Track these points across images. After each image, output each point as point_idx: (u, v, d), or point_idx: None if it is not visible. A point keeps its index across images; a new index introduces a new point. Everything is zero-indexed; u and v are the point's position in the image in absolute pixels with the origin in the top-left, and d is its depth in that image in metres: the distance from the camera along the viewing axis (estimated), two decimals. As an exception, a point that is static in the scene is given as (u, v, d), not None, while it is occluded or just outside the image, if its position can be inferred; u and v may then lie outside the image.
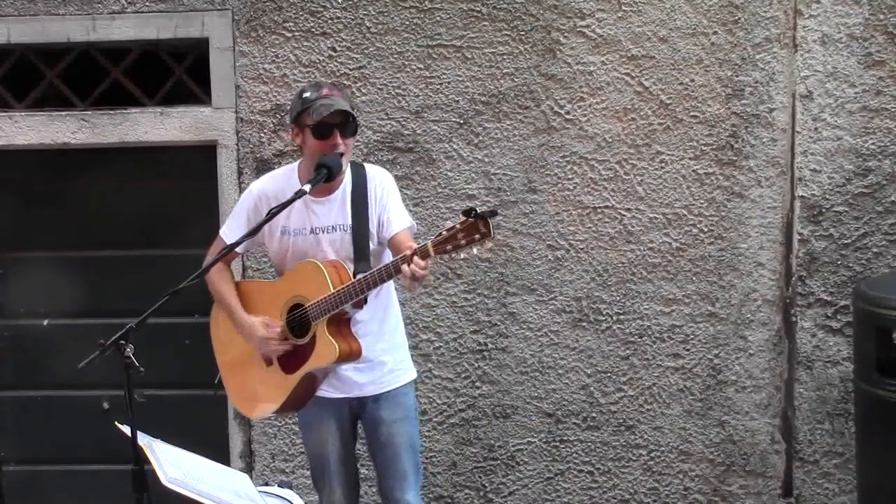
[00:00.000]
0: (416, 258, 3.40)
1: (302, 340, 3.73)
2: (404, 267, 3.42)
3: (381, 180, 3.83)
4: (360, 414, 3.92)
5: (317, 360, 3.70)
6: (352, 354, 3.70)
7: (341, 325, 3.70)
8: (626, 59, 4.78)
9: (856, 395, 4.52)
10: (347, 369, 3.79)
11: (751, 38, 4.73)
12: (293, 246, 3.81)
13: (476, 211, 3.32)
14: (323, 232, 3.77)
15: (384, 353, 3.85)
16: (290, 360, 3.78)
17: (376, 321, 3.83)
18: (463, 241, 3.34)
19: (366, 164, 3.92)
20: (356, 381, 3.83)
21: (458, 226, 3.35)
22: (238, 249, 3.89)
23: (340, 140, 3.70)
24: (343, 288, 3.59)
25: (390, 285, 3.85)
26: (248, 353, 3.87)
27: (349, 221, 3.76)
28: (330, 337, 3.65)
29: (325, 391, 3.85)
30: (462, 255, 3.39)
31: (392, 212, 3.78)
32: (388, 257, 3.78)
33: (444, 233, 3.37)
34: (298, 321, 3.73)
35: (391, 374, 3.88)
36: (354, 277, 3.63)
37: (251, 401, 3.96)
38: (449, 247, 3.36)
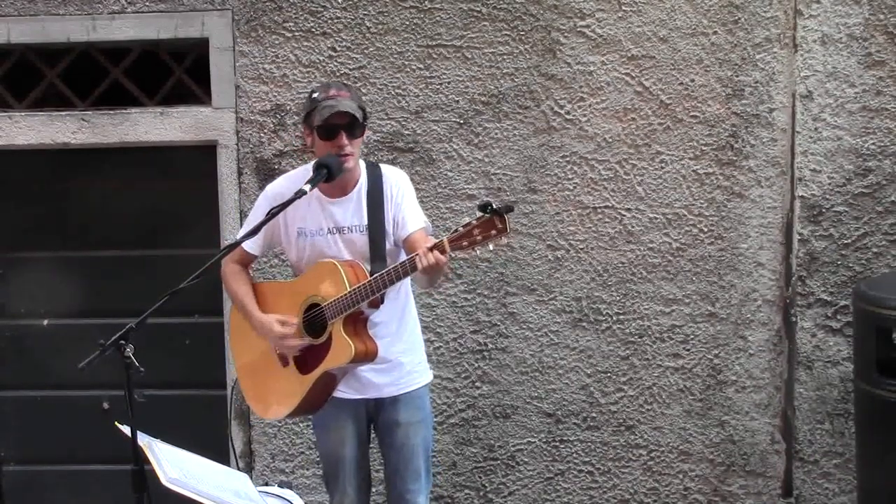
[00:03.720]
0: (434, 252, 3.39)
1: (318, 340, 3.72)
2: (419, 257, 3.41)
3: (396, 181, 3.82)
4: (375, 415, 3.90)
5: (332, 360, 3.69)
6: (368, 354, 3.68)
7: (357, 324, 3.69)
8: (626, 59, 4.78)
9: (856, 395, 4.52)
10: (365, 370, 3.78)
11: (751, 38, 4.73)
12: (310, 247, 3.80)
13: (493, 206, 3.31)
14: (339, 232, 3.77)
15: (403, 355, 3.85)
16: (306, 361, 3.77)
17: (395, 323, 3.82)
18: (479, 237, 3.34)
19: (381, 165, 3.91)
20: (374, 381, 3.82)
21: (474, 222, 3.35)
22: (255, 253, 3.93)
23: (347, 141, 3.69)
24: (359, 286, 3.59)
25: (408, 288, 3.85)
26: (265, 354, 3.87)
27: (365, 222, 3.76)
28: (346, 336, 3.64)
29: (343, 392, 3.84)
30: (478, 251, 3.39)
31: (407, 211, 3.78)
32: (403, 258, 3.80)
33: (461, 229, 3.37)
34: (315, 321, 3.73)
35: (409, 375, 3.87)
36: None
37: (267, 402, 3.96)
38: (465, 242, 3.37)
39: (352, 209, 3.78)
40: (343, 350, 3.65)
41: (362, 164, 3.84)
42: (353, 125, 3.70)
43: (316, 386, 3.76)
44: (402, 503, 3.92)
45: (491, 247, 3.37)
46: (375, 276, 3.58)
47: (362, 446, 3.94)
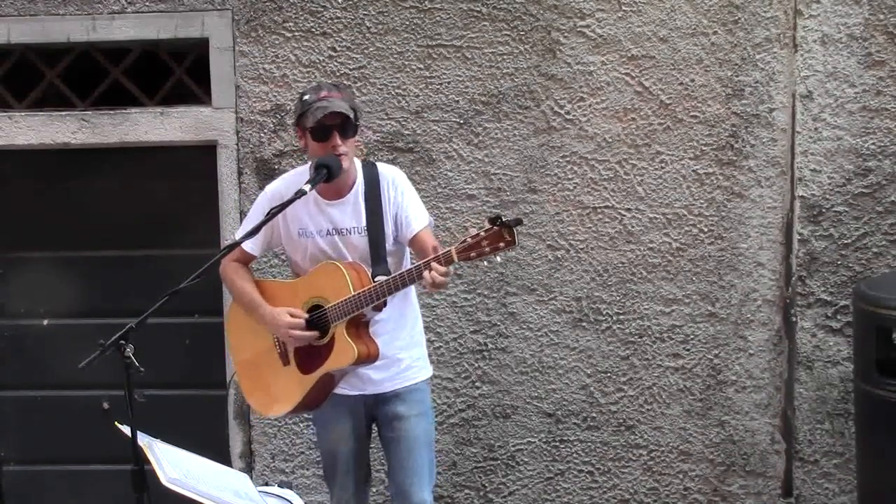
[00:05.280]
0: (436, 265, 3.43)
1: (321, 341, 3.74)
2: (425, 273, 3.45)
3: (392, 179, 3.83)
4: (375, 411, 3.91)
5: (335, 362, 3.72)
6: (370, 357, 3.72)
7: (360, 327, 3.72)
8: (626, 59, 4.78)
9: (856, 395, 4.52)
10: (364, 367, 3.79)
11: (751, 38, 4.73)
12: (311, 248, 3.82)
13: (502, 219, 3.36)
14: (339, 234, 3.79)
15: (401, 351, 3.86)
16: (308, 360, 3.79)
17: (394, 319, 3.83)
18: (487, 249, 3.39)
19: (378, 164, 3.92)
20: (373, 378, 3.84)
21: (482, 233, 3.39)
22: (255, 253, 3.94)
23: (340, 141, 3.70)
24: (364, 291, 3.61)
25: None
26: (265, 352, 3.88)
27: (364, 223, 3.77)
28: (349, 339, 3.67)
29: (342, 388, 3.86)
30: (485, 262, 3.43)
31: (409, 210, 3.80)
32: (406, 255, 3.83)
33: (469, 240, 3.41)
34: (317, 322, 3.74)
35: (408, 370, 3.89)
36: (373, 279, 3.65)
37: (267, 400, 3.97)
38: (473, 254, 3.41)
39: (350, 211, 3.79)
40: (346, 352, 3.68)
41: (358, 165, 3.85)
42: (345, 125, 3.71)
43: (317, 385, 3.78)
44: (405, 496, 3.88)
45: (498, 259, 3.42)
46: (381, 281, 3.60)
47: (361, 443, 3.95)
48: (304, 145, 3.83)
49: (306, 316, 3.76)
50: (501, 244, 3.37)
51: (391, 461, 3.94)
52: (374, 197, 3.78)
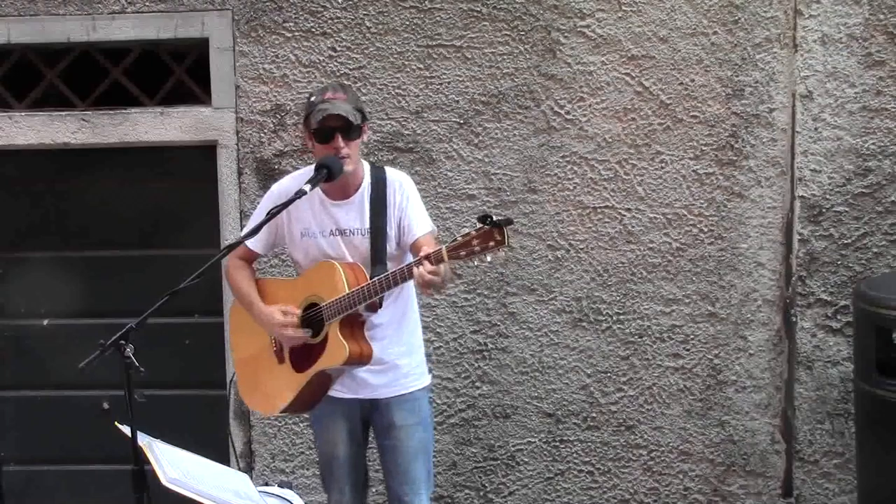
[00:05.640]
0: (426, 263, 3.42)
1: (315, 339, 3.74)
2: (415, 270, 3.44)
3: (400, 184, 3.82)
4: (371, 416, 3.90)
5: (327, 361, 3.71)
6: (362, 357, 3.70)
7: (355, 327, 3.71)
8: (626, 59, 4.78)
9: (856, 395, 4.52)
10: (362, 370, 3.78)
11: (751, 38, 4.73)
12: (314, 248, 3.81)
13: (492, 218, 3.33)
14: (342, 234, 3.78)
15: (401, 357, 3.85)
16: (302, 359, 3.79)
17: (394, 325, 3.82)
18: (477, 248, 3.36)
19: (386, 168, 3.91)
20: (370, 382, 3.82)
21: (473, 232, 3.37)
22: (258, 250, 3.94)
23: (343, 143, 3.69)
24: (357, 289, 3.61)
25: (411, 290, 3.85)
26: (262, 350, 3.89)
27: (367, 225, 3.77)
28: (341, 338, 3.66)
29: (339, 391, 3.85)
30: (476, 262, 3.41)
31: (413, 216, 3.78)
32: (407, 261, 3.81)
33: (459, 238, 3.39)
34: (313, 320, 3.74)
35: (406, 378, 3.87)
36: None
37: (262, 398, 3.98)
38: (463, 253, 3.38)
39: (354, 212, 3.78)
40: (337, 351, 3.67)
41: (366, 167, 3.84)
42: (348, 127, 3.70)
43: (310, 385, 3.77)
44: None
45: (489, 259, 3.38)
46: (374, 279, 3.60)
47: (357, 446, 3.94)
48: (309, 146, 3.84)
49: (298, 313, 3.75)
50: (491, 243, 3.34)
51: (387, 470, 3.93)
52: (380, 200, 3.78)
